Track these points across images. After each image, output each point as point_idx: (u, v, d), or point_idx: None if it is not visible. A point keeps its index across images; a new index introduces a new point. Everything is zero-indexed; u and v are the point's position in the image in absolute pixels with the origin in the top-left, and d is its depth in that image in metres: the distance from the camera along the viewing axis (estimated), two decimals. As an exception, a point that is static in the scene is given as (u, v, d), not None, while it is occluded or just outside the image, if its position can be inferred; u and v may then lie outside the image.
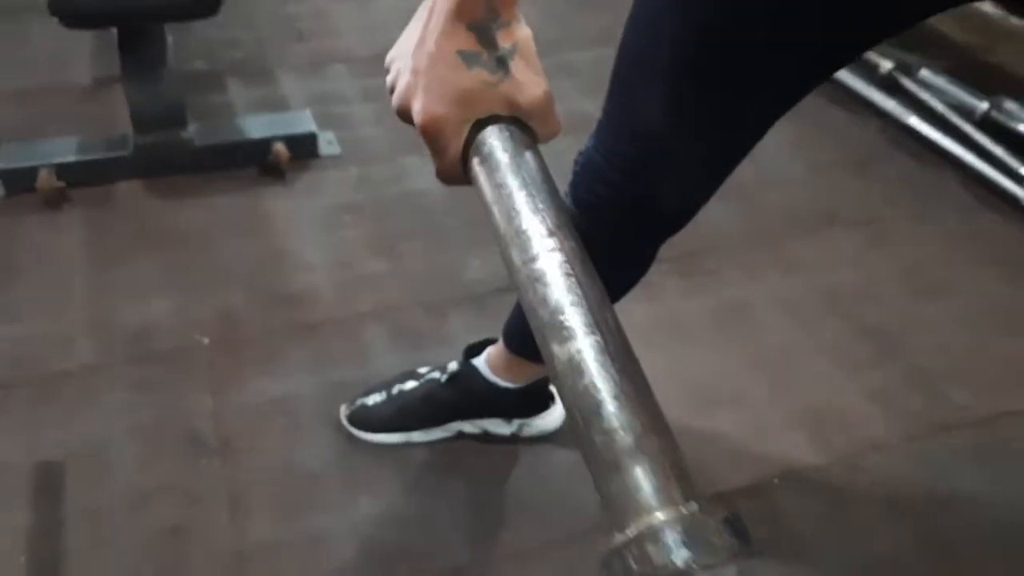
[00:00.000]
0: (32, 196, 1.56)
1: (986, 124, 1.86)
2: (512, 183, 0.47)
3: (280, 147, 1.65)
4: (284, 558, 1.03)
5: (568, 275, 0.42)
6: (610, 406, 0.37)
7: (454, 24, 0.45)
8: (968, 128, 1.84)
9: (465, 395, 1.12)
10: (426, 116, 0.47)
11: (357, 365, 1.27)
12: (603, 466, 0.36)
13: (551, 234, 0.44)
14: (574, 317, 0.40)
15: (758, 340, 1.36)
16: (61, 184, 1.56)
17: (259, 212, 1.58)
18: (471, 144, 0.49)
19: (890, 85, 2.01)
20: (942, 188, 1.76)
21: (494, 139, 0.48)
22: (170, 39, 1.61)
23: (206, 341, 1.30)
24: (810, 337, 1.37)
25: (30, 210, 1.55)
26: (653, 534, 0.33)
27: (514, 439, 1.17)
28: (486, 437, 1.17)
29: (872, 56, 2.06)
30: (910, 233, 1.63)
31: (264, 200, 1.61)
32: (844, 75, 2.03)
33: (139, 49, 1.53)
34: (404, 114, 0.50)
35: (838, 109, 1.99)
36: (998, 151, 1.76)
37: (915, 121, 1.90)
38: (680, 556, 0.32)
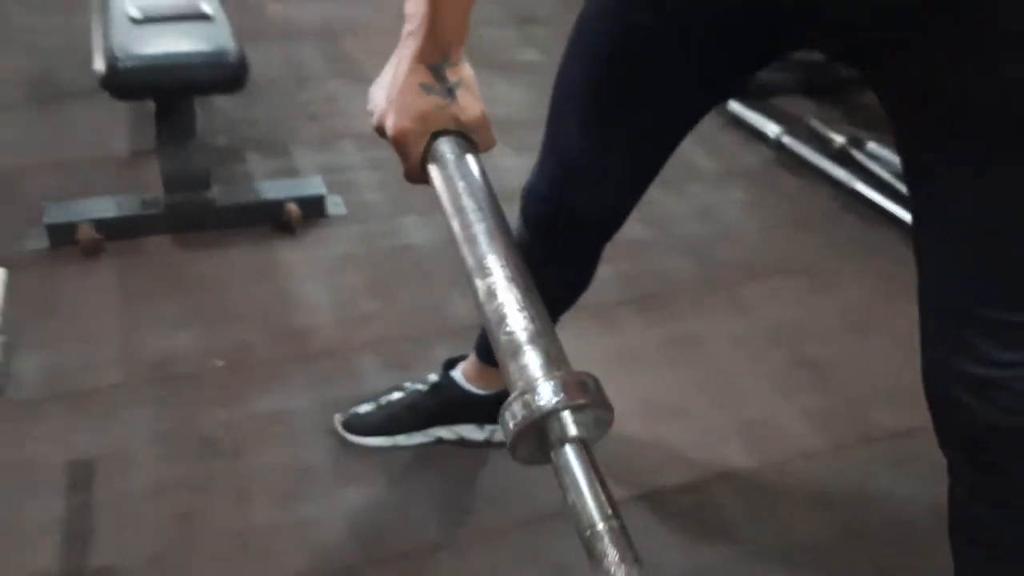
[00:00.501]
0: (73, 247, 1.78)
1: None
2: (456, 175, 0.67)
3: (292, 207, 1.88)
4: (281, 537, 1.19)
5: (490, 234, 0.62)
6: (512, 316, 0.56)
7: (416, 64, 0.67)
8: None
9: (444, 403, 1.30)
10: (396, 130, 0.68)
11: (351, 386, 1.45)
12: (506, 355, 0.55)
13: (479, 209, 0.64)
14: (493, 261, 0.60)
15: (706, 366, 1.54)
16: (99, 237, 1.79)
17: (271, 262, 1.80)
18: (428, 151, 0.69)
19: (842, 157, 2.24)
20: (884, 243, 1.95)
21: (444, 146, 0.69)
22: (198, 113, 1.86)
23: (220, 364, 1.49)
24: (753, 365, 1.55)
25: (70, 259, 1.77)
26: (533, 389, 0.51)
27: (487, 444, 1.34)
28: (462, 442, 1.34)
29: (827, 132, 2.30)
30: (852, 280, 1.82)
31: (276, 252, 1.83)
32: (801, 148, 2.26)
33: (173, 120, 1.78)
34: (380, 131, 0.71)
35: (793, 177, 2.22)
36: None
37: (862, 187, 2.11)
38: (550, 400, 0.51)
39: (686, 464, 1.33)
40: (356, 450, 1.32)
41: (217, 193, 1.88)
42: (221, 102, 2.31)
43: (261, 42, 2.65)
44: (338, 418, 1.35)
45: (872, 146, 2.25)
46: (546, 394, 0.51)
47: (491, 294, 0.58)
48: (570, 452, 0.50)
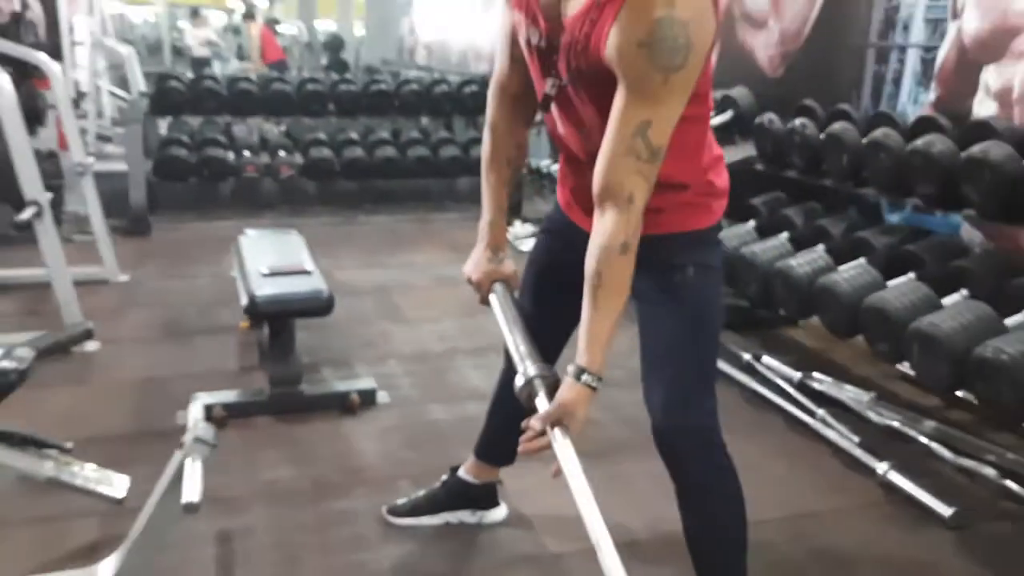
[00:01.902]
0: (209, 422, 2.63)
1: (802, 388, 2.89)
2: (504, 306, 1.59)
3: (354, 396, 2.75)
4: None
5: (521, 330, 1.51)
6: (516, 350, 1.46)
7: (484, 248, 1.61)
8: (790, 390, 2.87)
9: (449, 493, 2.06)
10: (476, 278, 1.62)
11: (392, 497, 2.21)
12: (518, 364, 1.43)
13: (516, 320, 1.55)
14: (520, 339, 1.49)
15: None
16: (225, 414, 2.64)
17: (340, 431, 2.63)
18: (489, 290, 1.62)
19: (748, 368, 3.09)
20: (771, 425, 2.74)
21: (498, 288, 1.63)
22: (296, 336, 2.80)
23: (308, 484, 2.28)
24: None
25: (205, 429, 2.61)
26: (530, 378, 1.40)
27: (478, 526, 2.08)
28: (461, 525, 2.08)
29: (737, 350, 3.17)
30: (744, 447, 2.58)
31: (343, 425, 2.66)
32: (720, 364, 3.12)
33: (280, 336, 2.72)
34: (469, 281, 1.64)
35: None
36: (808, 404, 2.77)
37: (758, 387, 2.94)
38: (521, 379, 1.39)
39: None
40: (396, 528, 2.07)
41: (304, 387, 2.76)
42: (306, 336, 3.26)
43: (336, 295, 3.69)
44: (384, 508, 2.11)
45: (766, 359, 3.09)
46: (529, 374, 1.39)
47: (516, 350, 1.46)
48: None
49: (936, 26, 3.05)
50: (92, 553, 1.87)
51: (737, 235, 3.19)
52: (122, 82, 8.11)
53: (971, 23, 2.89)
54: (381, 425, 2.68)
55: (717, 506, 1.55)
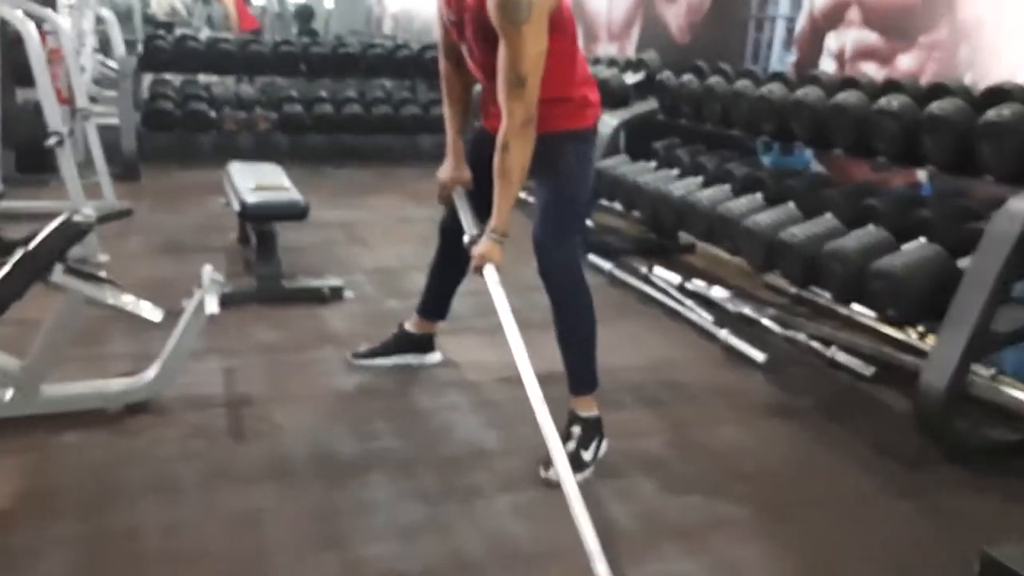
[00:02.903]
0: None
1: (681, 290, 3.65)
2: (459, 197, 2.37)
3: (326, 291, 3.45)
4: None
5: (468, 213, 2.26)
6: (465, 220, 2.22)
7: (450, 160, 2.35)
8: (672, 291, 3.62)
9: (397, 341, 2.78)
10: (442, 179, 2.39)
11: (358, 346, 2.92)
12: (467, 228, 2.17)
13: (465, 206, 2.31)
14: (466, 217, 2.23)
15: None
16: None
17: (314, 313, 3.32)
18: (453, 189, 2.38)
19: (644, 278, 3.84)
20: (654, 314, 3.49)
21: (458, 188, 2.38)
22: (279, 243, 3.48)
23: (290, 342, 2.98)
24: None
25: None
26: (473, 236, 2.15)
27: (420, 366, 2.79)
28: (407, 365, 2.79)
29: (637, 265, 3.92)
30: (630, 327, 3.33)
31: (317, 312, 3.36)
32: (623, 275, 3.87)
33: (265, 239, 3.40)
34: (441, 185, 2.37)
35: (618, 290, 3.80)
36: (681, 298, 3.53)
37: (649, 290, 3.69)
38: (467, 237, 2.17)
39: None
40: (358, 368, 2.78)
41: (286, 283, 3.46)
42: (285, 255, 3.91)
43: (306, 229, 4.36)
44: (349, 353, 2.82)
45: (657, 269, 3.85)
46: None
47: (465, 220, 2.21)
48: None
49: (797, 1, 3.80)
50: (131, 366, 2.55)
51: (638, 170, 3.93)
52: (103, 45, 8.64)
53: (818, -1, 3.65)
54: (347, 311, 3.39)
55: (575, 309, 2.25)
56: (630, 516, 2.02)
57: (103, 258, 3.79)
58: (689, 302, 3.45)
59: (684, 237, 4.33)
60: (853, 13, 3.46)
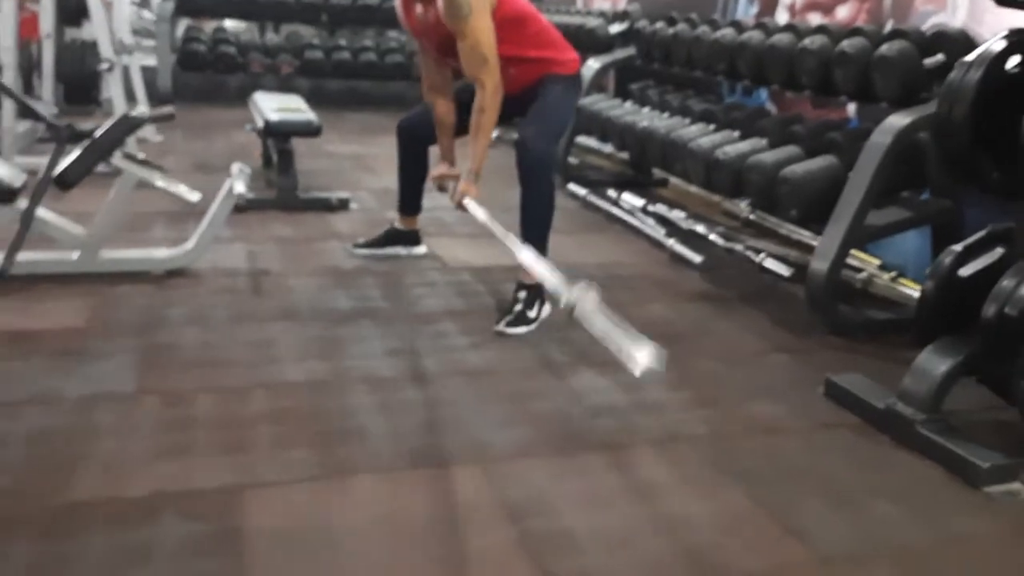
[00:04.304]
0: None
1: (644, 211, 4.16)
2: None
3: (334, 201, 4.01)
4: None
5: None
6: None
7: (441, 164, 2.92)
8: (636, 212, 4.14)
9: (388, 235, 3.34)
10: (433, 176, 2.99)
11: (357, 235, 3.48)
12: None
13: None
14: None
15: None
16: (244, 205, 3.89)
17: (325, 220, 3.89)
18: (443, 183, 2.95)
19: (614, 203, 4.35)
20: (620, 232, 4.02)
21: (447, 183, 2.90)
22: (295, 157, 4.03)
23: (302, 236, 3.55)
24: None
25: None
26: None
27: (408, 255, 3.35)
28: (396, 255, 3.35)
29: (611, 193, 4.43)
30: (598, 240, 3.86)
31: (326, 217, 3.92)
32: (598, 201, 4.39)
33: (284, 154, 3.96)
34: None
35: (590, 212, 4.33)
36: (643, 218, 4.05)
37: (616, 211, 4.21)
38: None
39: (486, 262, 3.34)
40: (357, 257, 3.34)
41: (301, 192, 4.02)
42: (304, 176, 4.47)
43: (321, 158, 4.93)
44: (349, 244, 3.38)
45: (625, 195, 4.37)
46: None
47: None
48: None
49: (760, -43, 4.27)
50: (170, 241, 3.13)
51: (613, 106, 4.44)
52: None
53: (775, -43, 4.12)
54: (351, 217, 3.96)
55: (539, 194, 2.76)
56: (562, 352, 2.57)
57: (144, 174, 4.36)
58: (650, 221, 3.97)
59: (659, 173, 4.85)
60: (802, -31, 3.92)
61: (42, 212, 2.79)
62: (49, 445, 1.87)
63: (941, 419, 2.04)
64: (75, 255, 2.89)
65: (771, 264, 3.43)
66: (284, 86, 7.10)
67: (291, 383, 2.25)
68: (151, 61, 6.51)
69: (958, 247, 2.13)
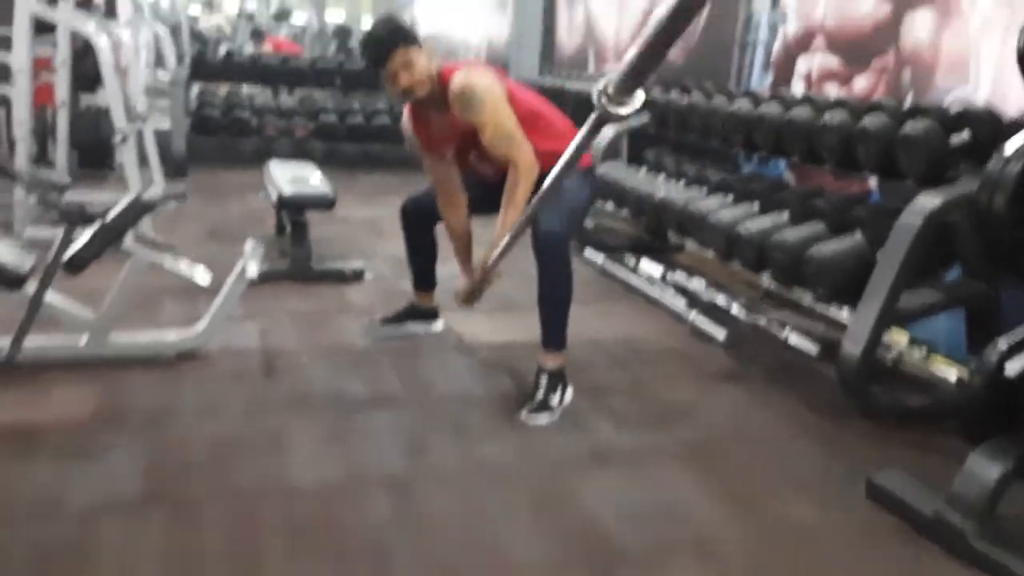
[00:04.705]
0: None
1: (663, 280, 4.08)
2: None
3: (349, 272, 3.95)
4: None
5: None
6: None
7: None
8: (654, 280, 4.06)
9: (407, 312, 3.27)
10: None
11: (386, 307, 3.40)
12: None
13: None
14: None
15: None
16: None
17: (339, 293, 3.82)
18: None
19: (632, 270, 4.28)
20: (637, 301, 3.94)
21: None
22: (309, 228, 3.99)
23: (315, 311, 3.48)
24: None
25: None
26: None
27: (426, 333, 3.27)
28: (415, 333, 3.27)
29: (627, 260, 4.36)
30: (614, 309, 3.78)
31: (341, 289, 3.86)
32: (615, 268, 4.32)
33: (298, 226, 3.91)
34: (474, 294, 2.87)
35: (607, 280, 4.26)
36: (661, 287, 3.97)
37: (634, 280, 4.13)
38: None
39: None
40: (374, 332, 3.27)
41: (315, 264, 3.96)
42: (314, 244, 4.43)
43: (335, 223, 4.88)
44: (367, 320, 3.30)
45: (644, 261, 4.30)
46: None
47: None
48: None
49: (774, 28, 4.25)
50: (180, 321, 3.06)
51: (629, 174, 4.39)
52: (156, 58, 9.32)
53: (790, 26, 4.10)
54: (365, 288, 3.89)
55: (558, 275, 2.68)
56: (585, 445, 2.46)
57: (158, 239, 4.33)
58: (669, 291, 3.89)
59: (675, 237, 4.79)
60: (819, 40, 3.90)
61: (50, 296, 2.73)
62: (49, 562, 1.78)
63: (995, 528, 1.92)
64: (83, 340, 2.82)
65: (796, 340, 3.34)
66: (298, 149, 7.14)
67: (305, 489, 2.14)
68: (165, 125, 6.55)
69: (1003, 343, 2.03)
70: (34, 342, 2.72)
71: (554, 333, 2.73)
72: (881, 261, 2.68)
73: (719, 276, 4.28)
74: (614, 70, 4.60)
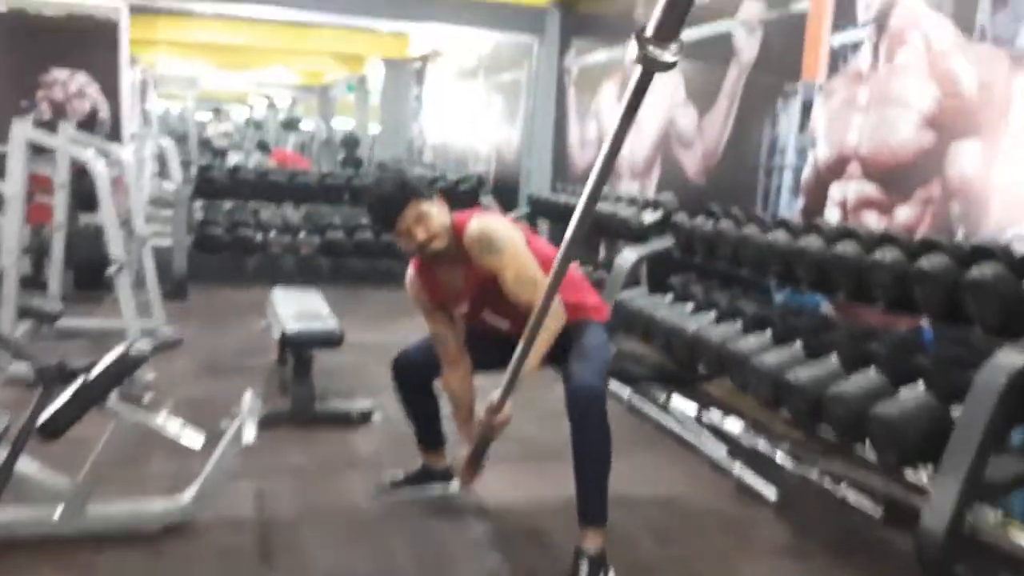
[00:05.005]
0: (243, 428, 3.50)
1: (697, 419, 3.76)
2: None
3: (355, 414, 3.64)
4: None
5: None
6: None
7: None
8: (688, 421, 3.74)
9: (423, 473, 2.93)
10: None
11: (378, 479, 3.07)
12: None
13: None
14: None
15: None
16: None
17: (345, 441, 3.50)
18: None
19: (660, 407, 3.96)
20: (668, 443, 3.61)
21: None
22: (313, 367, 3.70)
23: (317, 466, 3.14)
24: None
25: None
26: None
27: (441, 495, 2.93)
28: (430, 495, 2.93)
29: (656, 393, 4.05)
30: (645, 456, 3.45)
31: (347, 436, 3.54)
32: (641, 403, 4.01)
33: (302, 364, 3.63)
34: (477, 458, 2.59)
35: (636, 419, 3.94)
36: (695, 428, 3.65)
37: (665, 419, 3.82)
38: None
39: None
40: (386, 494, 2.93)
41: (318, 404, 3.65)
42: (320, 377, 4.14)
43: (341, 351, 4.59)
44: (376, 485, 2.97)
45: (675, 398, 3.98)
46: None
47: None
48: None
49: (802, 152, 4.08)
50: (170, 485, 2.73)
51: (654, 303, 4.13)
52: (161, 167, 9.27)
53: (821, 151, 3.92)
54: (374, 434, 3.57)
55: (596, 442, 2.39)
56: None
57: (150, 376, 4.03)
58: (705, 434, 3.57)
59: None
60: (854, 167, 3.71)
61: (22, 462, 2.42)
62: None
63: None
64: (57, 512, 2.49)
65: (854, 499, 3.00)
66: (304, 265, 6.94)
67: None
68: (166, 241, 6.38)
69: None
70: (1, 516, 2.40)
71: (595, 506, 2.40)
72: (960, 424, 2.38)
73: (757, 412, 3.97)
74: (631, 190, 4.37)
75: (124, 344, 2.56)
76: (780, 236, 3.48)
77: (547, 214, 6.47)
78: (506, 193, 7.51)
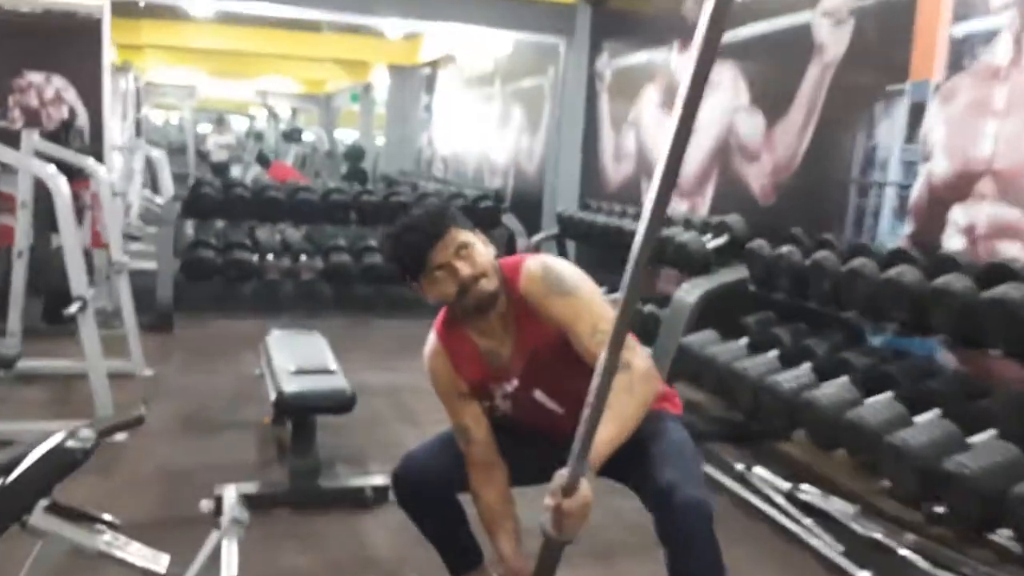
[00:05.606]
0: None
1: (790, 498, 3.05)
2: None
3: (369, 492, 2.92)
4: None
5: None
6: None
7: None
8: (780, 500, 3.03)
9: None
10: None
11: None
12: None
13: None
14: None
15: None
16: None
17: (355, 532, 2.78)
18: None
19: (739, 478, 3.25)
20: (760, 532, 2.89)
21: None
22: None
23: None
24: None
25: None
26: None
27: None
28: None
29: (730, 460, 3.34)
30: (734, 552, 2.73)
31: (357, 523, 2.82)
32: (714, 471, 3.29)
33: (303, 431, 2.91)
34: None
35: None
36: (795, 513, 2.93)
37: (749, 496, 3.10)
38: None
39: None
40: None
41: (322, 482, 2.94)
42: (324, 433, 3.43)
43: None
44: None
45: (757, 469, 3.27)
46: None
47: None
48: None
49: (910, 166, 3.38)
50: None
51: (729, 350, 3.42)
52: (151, 181, 8.59)
53: (939, 165, 3.22)
54: (392, 520, 2.83)
55: (709, 565, 1.71)
56: None
57: (119, 437, 3.32)
58: (806, 520, 2.84)
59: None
60: (986, 185, 3.01)
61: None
62: None
63: None
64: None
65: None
66: (304, 292, 6.23)
67: None
68: (152, 264, 5.68)
69: None
70: None
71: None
72: None
73: (845, 473, 3.25)
74: (677, 211, 3.36)
75: (58, 434, 1.85)
76: (907, 272, 2.76)
77: (577, 235, 5.75)
78: (526, 210, 6.80)
